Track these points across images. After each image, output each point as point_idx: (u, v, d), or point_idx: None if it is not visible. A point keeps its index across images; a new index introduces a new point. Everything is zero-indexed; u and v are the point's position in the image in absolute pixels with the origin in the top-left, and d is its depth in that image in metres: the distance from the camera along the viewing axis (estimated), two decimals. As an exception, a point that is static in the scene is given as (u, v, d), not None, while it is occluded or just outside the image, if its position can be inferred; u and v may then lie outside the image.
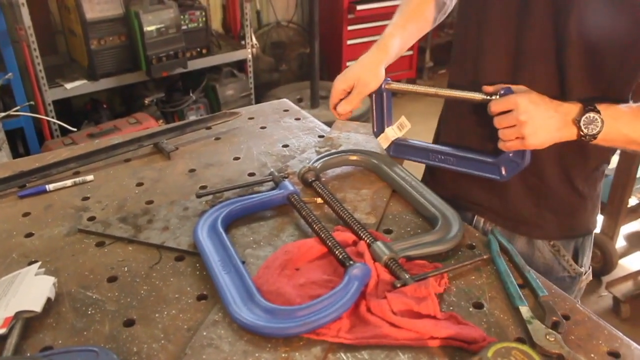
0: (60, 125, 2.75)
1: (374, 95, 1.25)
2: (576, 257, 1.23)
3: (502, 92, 1.06)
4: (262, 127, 1.51)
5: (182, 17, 3.30)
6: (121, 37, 3.20)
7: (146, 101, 3.40)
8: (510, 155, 1.10)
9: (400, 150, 1.29)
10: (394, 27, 1.28)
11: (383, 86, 1.23)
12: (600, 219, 2.68)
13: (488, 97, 1.08)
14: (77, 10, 3.05)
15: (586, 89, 1.06)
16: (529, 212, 1.20)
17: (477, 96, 1.10)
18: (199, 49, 3.47)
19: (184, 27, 3.33)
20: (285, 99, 1.70)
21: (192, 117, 3.50)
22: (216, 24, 4.08)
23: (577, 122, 1.00)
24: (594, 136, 1.00)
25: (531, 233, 1.22)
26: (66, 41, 3.44)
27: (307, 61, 4.17)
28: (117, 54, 3.22)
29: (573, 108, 1.02)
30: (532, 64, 1.09)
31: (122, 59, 3.24)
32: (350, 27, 4.15)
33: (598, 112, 1.00)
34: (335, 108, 1.25)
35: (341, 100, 1.24)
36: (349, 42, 4.19)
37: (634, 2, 0.98)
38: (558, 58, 1.06)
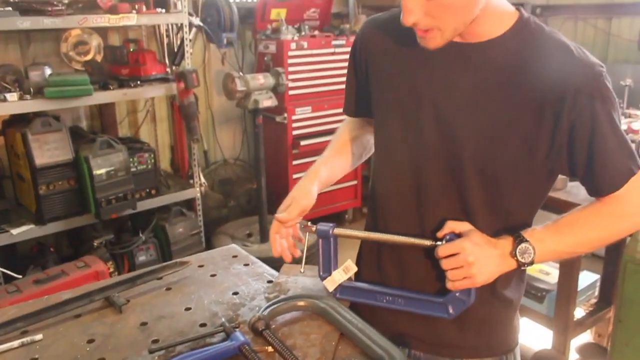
0: (3, 272, 2.71)
1: (321, 241, 1.32)
2: None
3: (448, 237, 1.16)
4: (212, 275, 1.55)
5: (131, 159, 3.38)
6: (70, 181, 3.24)
7: (95, 243, 3.39)
8: (457, 294, 1.18)
9: (347, 292, 1.34)
10: (323, 159, 1.44)
11: (331, 232, 1.30)
12: (549, 334, 2.75)
13: (436, 243, 1.17)
14: (27, 156, 3.10)
15: (489, 218, 1.20)
16: (452, 334, 1.29)
17: (425, 242, 1.19)
18: (148, 190, 3.54)
19: (133, 169, 3.40)
20: (233, 245, 1.75)
21: (142, 258, 3.51)
22: (165, 164, 4.20)
23: (513, 254, 1.14)
24: (531, 262, 1.14)
25: (454, 354, 1.30)
26: (14, 186, 3.45)
27: (255, 196, 4.28)
28: (66, 198, 3.24)
29: (507, 243, 1.15)
30: (435, 198, 1.22)
31: (70, 202, 3.26)
32: (295, 162, 4.33)
33: (527, 240, 1.14)
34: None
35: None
36: (295, 175, 4.35)
37: (526, 129, 1.12)
38: (458, 191, 1.20)
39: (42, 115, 3.15)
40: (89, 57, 3.70)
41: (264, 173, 3.88)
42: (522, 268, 1.16)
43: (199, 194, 3.77)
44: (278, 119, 4.23)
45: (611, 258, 2.93)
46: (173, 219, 3.65)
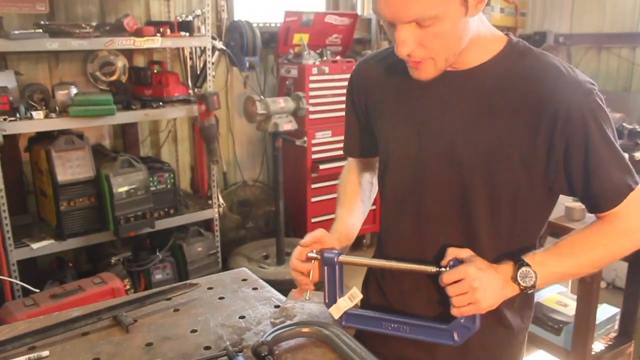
0: (22, 286, 2.75)
1: (326, 268, 1.33)
2: None
3: (451, 263, 1.16)
4: (221, 298, 1.56)
5: (151, 179, 3.44)
6: (91, 198, 3.30)
7: (113, 260, 3.43)
8: (462, 321, 1.18)
9: (353, 320, 1.34)
10: (340, 220, 1.45)
11: (336, 259, 1.30)
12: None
13: (440, 270, 1.17)
14: (50, 173, 3.17)
15: (493, 241, 1.22)
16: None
17: (429, 269, 1.19)
18: (166, 209, 3.59)
19: (153, 188, 3.45)
20: (243, 268, 1.77)
21: (159, 276, 3.54)
22: (185, 184, 4.25)
23: (514, 279, 1.14)
24: (533, 286, 1.13)
25: None
26: (37, 201, 3.52)
27: (273, 218, 4.30)
28: (86, 215, 3.30)
29: (508, 268, 1.15)
30: (437, 224, 1.24)
31: (90, 219, 3.32)
32: (314, 185, 4.34)
33: (528, 264, 1.13)
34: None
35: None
36: (313, 199, 4.36)
37: (522, 149, 1.14)
38: (461, 216, 1.21)
39: (66, 133, 3.23)
40: (114, 78, 3.78)
41: (283, 196, 3.91)
42: (526, 292, 1.15)
43: (217, 215, 3.80)
44: (298, 142, 4.25)
45: (632, 290, 2.88)
46: (190, 239, 3.68)
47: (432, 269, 1.19)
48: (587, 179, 1.13)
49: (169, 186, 3.58)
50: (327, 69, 4.27)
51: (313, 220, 4.37)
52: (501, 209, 1.19)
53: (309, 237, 1.31)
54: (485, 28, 1.18)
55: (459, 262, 1.16)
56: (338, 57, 4.55)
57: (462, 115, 1.18)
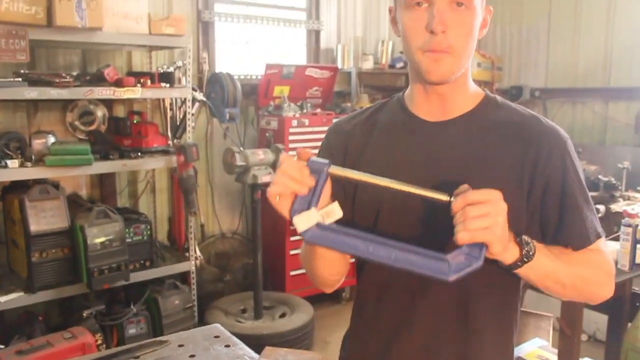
0: (-12, 342, 2.65)
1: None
2: None
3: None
4: (192, 356, 1.50)
5: (127, 230, 3.38)
6: (64, 249, 3.22)
7: (85, 313, 3.33)
8: (467, 249, 1.00)
9: (323, 236, 1.08)
10: None
11: (326, 169, 1.08)
12: None
13: (451, 199, 1.02)
14: (22, 223, 3.10)
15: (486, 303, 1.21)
16: None
17: (442, 197, 1.03)
18: (142, 261, 3.51)
19: (129, 240, 3.39)
20: (216, 324, 1.72)
21: (132, 331, 3.43)
22: (162, 236, 4.19)
23: (518, 242, 1.07)
24: (531, 257, 1.07)
25: None
26: (7, 252, 3.43)
27: (251, 271, 4.24)
28: (59, 266, 3.21)
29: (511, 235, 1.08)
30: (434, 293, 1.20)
31: (63, 271, 3.23)
32: (292, 238, 4.30)
33: (531, 240, 1.09)
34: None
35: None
36: (292, 252, 4.31)
37: (509, 197, 1.08)
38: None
39: (41, 183, 3.18)
40: (93, 127, 3.76)
41: (261, 248, 3.86)
42: (522, 261, 1.06)
43: (194, 267, 3.74)
44: (277, 194, 4.24)
45: (613, 343, 2.86)
46: (166, 292, 3.59)
47: (445, 197, 1.02)
48: (561, 217, 1.17)
49: (145, 238, 3.51)
50: (307, 122, 4.30)
51: (292, 273, 4.31)
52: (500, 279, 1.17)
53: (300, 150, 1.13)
54: (470, 79, 1.25)
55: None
56: (318, 110, 4.60)
57: (448, 165, 1.19)
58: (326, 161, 1.09)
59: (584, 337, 3.67)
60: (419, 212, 1.18)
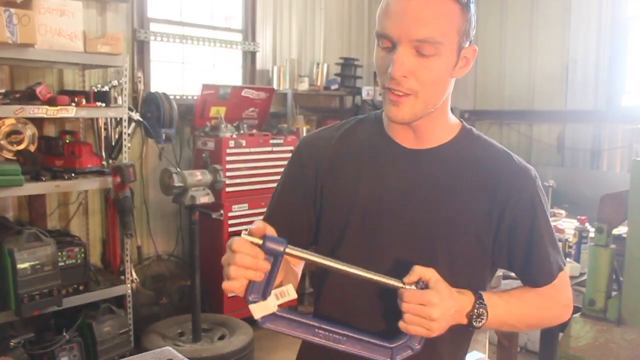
0: None
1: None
2: None
3: (420, 284, 1.10)
4: (145, 377, 1.47)
5: (59, 253, 3.25)
6: (-9, 276, 3.07)
7: (12, 343, 3.16)
8: (406, 339, 1.12)
9: (278, 322, 1.11)
10: None
11: (282, 249, 1.07)
12: None
13: (405, 286, 1.10)
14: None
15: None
16: None
17: (394, 283, 1.11)
18: (76, 286, 3.38)
19: (61, 264, 3.26)
20: (168, 347, 1.68)
21: (64, 359, 3.29)
22: (95, 259, 4.05)
23: (469, 316, 1.15)
24: (479, 327, 1.16)
25: None
26: None
27: (188, 293, 4.16)
28: (-16, 293, 3.06)
29: (467, 301, 1.16)
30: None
31: (-11, 298, 3.08)
32: (230, 259, 4.24)
33: (485, 306, 1.15)
34: None
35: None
36: (230, 273, 4.25)
37: (478, 225, 1.21)
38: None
39: (-34, 206, 3.02)
40: (22, 147, 3.61)
41: (199, 270, 3.80)
42: (468, 328, 1.17)
43: (129, 291, 3.63)
44: (214, 215, 4.21)
45: (546, 354, 2.97)
46: (101, 317, 3.47)
47: (397, 283, 1.10)
48: (528, 255, 1.24)
49: (79, 261, 3.39)
50: (244, 142, 4.29)
51: (230, 295, 4.24)
52: (459, 281, 1.18)
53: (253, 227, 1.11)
54: (449, 112, 1.28)
55: (425, 286, 1.10)
56: (254, 131, 4.60)
57: (422, 191, 1.23)
58: (283, 241, 1.08)
59: (516, 349, 3.79)
60: (376, 234, 1.24)
